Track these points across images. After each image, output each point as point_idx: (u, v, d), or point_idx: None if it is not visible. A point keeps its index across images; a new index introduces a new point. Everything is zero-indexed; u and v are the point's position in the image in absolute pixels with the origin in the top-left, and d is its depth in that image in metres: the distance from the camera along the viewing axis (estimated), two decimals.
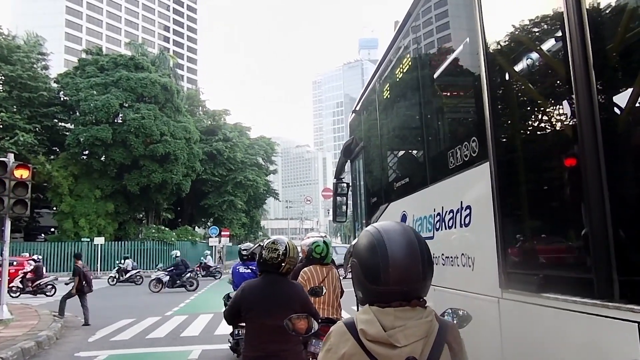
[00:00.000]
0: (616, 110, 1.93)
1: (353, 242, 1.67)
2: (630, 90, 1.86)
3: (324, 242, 5.13)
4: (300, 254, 5.49)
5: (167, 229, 36.80)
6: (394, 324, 1.36)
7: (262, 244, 3.61)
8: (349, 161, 7.12)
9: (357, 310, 6.87)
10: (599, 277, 1.88)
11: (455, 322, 1.97)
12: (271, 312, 3.08)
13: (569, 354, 2.08)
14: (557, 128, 2.28)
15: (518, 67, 2.68)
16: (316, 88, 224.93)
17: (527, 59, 2.63)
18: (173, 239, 34.88)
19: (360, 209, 6.64)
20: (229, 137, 43.68)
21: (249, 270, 7.05)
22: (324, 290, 4.51)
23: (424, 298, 1.49)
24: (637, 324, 1.68)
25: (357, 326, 1.39)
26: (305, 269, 5.00)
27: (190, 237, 37.53)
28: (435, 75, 3.80)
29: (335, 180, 7.54)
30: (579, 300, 1.99)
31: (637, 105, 1.81)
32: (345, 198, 7.42)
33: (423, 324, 1.38)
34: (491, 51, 2.73)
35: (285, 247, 3.26)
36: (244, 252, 7.38)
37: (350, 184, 7.28)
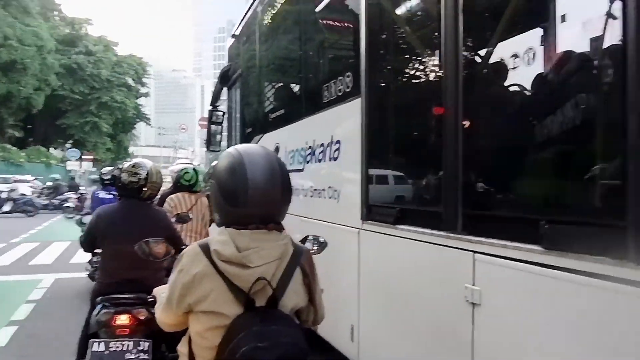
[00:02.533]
0: (477, 65, 2.05)
1: (213, 164, 1.59)
2: (490, 48, 1.99)
3: (194, 169, 4.92)
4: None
5: (14, 148, 32.60)
6: (248, 245, 1.35)
7: (121, 167, 3.33)
8: (226, 89, 6.82)
9: None
10: (446, 211, 2.05)
11: (315, 247, 2.03)
12: (130, 237, 2.88)
13: (419, 280, 2.29)
14: (426, 75, 2.37)
15: (397, 11, 2.71)
16: (196, 10, 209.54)
17: (406, 5, 2.67)
18: (22, 159, 31.12)
19: (235, 139, 6.49)
20: (93, 51, 39.01)
21: (110, 196, 6.56)
22: (191, 217, 4.39)
23: (281, 223, 1.48)
24: (472, 253, 1.89)
25: (211, 247, 1.36)
26: (172, 195, 4.78)
27: (44, 159, 33.82)
28: (317, 9, 3.70)
29: (211, 107, 7.20)
30: (428, 232, 2.17)
31: (496, 62, 1.96)
32: (220, 127, 7.14)
33: (278, 247, 1.40)
34: None
35: (147, 171, 3.03)
36: (105, 177, 6.85)
37: (227, 113, 7.03)
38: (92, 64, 38.76)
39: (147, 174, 3.01)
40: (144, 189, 3.01)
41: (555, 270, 1.51)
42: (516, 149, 1.86)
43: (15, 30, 29.69)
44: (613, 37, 1.41)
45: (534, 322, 1.61)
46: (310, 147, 3.53)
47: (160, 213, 3.25)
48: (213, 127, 7.16)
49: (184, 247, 3.69)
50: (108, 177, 6.81)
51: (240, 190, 1.36)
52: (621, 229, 1.31)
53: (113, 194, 6.52)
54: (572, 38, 1.69)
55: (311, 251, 2.02)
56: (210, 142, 7.20)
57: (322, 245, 2.04)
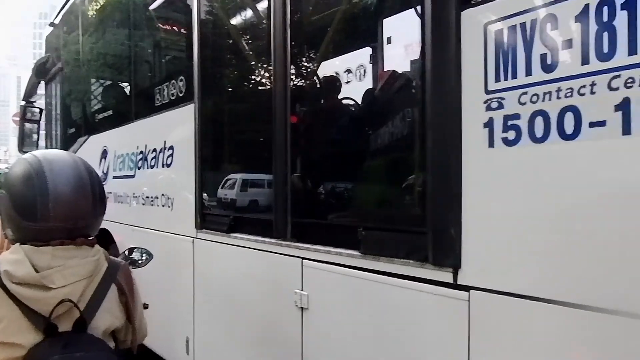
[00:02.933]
0: (306, 76, 2.15)
1: (3, 171, 1.37)
2: (320, 60, 2.10)
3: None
4: None
5: None
6: (50, 264, 1.18)
7: None
8: (43, 83, 6.03)
9: None
10: (277, 219, 2.10)
11: (143, 259, 1.90)
12: None
13: (253, 287, 2.30)
14: (257, 83, 2.41)
15: (229, 20, 2.70)
16: None
17: (238, 14, 2.68)
18: None
19: (55, 140, 5.78)
20: None
21: None
22: None
23: (93, 236, 1.34)
24: (301, 259, 1.96)
25: (1, 268, 1.17)
26: None
27: None
28: (150, 6, 3.49)
29: (24, 102, 6.29)
30: (261, 239, 2.20)
31: (326, 75, 2.07)
32: (37, 125, 6.29)
33: (87, 263, 1.25)
34: None
35: None
36: None
37: (44, 110, 6.21)
38: None
39: None
40: None
41: (371, 273, 1.64)
42: (341, 159, 1.99)
43: None
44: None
45: (357, 322, 1.73)
46: (141, 152, 3.31)
47: None
48: (27, 125, 6.29)
49: None
50: None
51: (39, 202, 1.19)
52: (423, 234, 1.47)
53: None
54: (396, 58, 1.86)
55: (138, 263, 1.89)
56: (24, 142, 6.30)
57: (148, 258, 1.92)
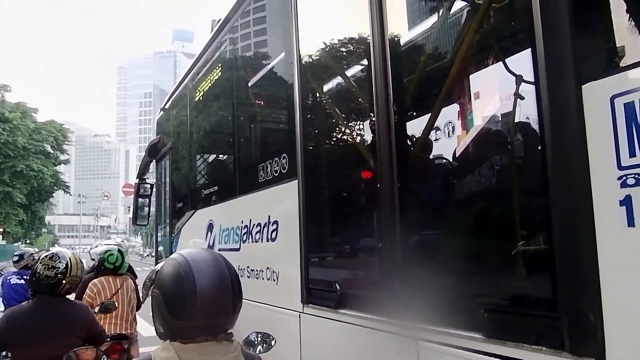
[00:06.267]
0: (410, 134, 2.15)
1: (156, 268, 1.49)
2: (423, 116, 2.09)
3: (119, 250, 4.65)
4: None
5: None
6: None
7: (36, 256, 3.05)
8: (154, 161, 6.66)
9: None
10: (387, 296, 2.05)
11: (263, 346, 1.94)
12: (46, 340, 2.62)
13: None
14: (362, 158, 2.45)
15: (328, 87, 2.82)
16: (122, 74, 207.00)
17: (336, 81, 2.79)
18: None
19: (165, 213, 6.26)
20: (8, 118, 36.95)
21: (22, 281, 5.98)
22: (117, 305, 4.09)
23: (231, 331, 1.41)
24: (416, 340, 1.88)
25: None
26: (95, 280, 4.45)
27: None
28: (249, 84, 3.78)
29: (137, 180, 6.98)
30: (370, 317, 2.15)
31: (428, 132, 2.05)
32: (148, 200, 6.91)
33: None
34: (304, 71, 2.81)
35: (67, 263, 2.79)
36: (16, 259, 6.21)
37: (155, 186, 6.82)
38: (8, 131, 36.56)
39: (66, 267, 2.77)
40: (62, 281, 2.77)
41: (496, 359, 1.53)
42: (456, 233, 1.91)
43: None
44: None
45: None
46: (246, 226, 3.47)
47: (79, 309, 2.97)
48: (140, 200, 6.93)
49: (110, 338, 3.39)
50: (20, 261, 6.20)
51: (188, 303, 1.28)
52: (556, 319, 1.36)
53: (25, 279, 5.95)
54: (485, 113, 1.83)
55: (259, 352, 1.94)
56: (137, 215, 6.92)
57: (269, 344, 1.95)
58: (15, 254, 6.52)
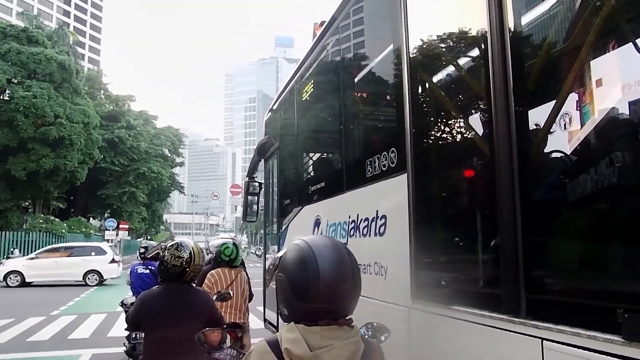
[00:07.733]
0: (531, 125, 2.01)
1: (279, 254, 1.57)
2: (545, 105, 1.94)
3: (234, 244, 4.95)
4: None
5: (57, 219, 33.70)
6: (320, 344, 1.30)
7: (163, 246, 3.36)
8: (262, 160, 6.99)
9: (264, 314, 6.76)
10: (507, 293, 1.95)
11: (373, 340, 1.95)
12: (174, 323, 2.88)
13: None
14: (475, 149, 2.36)
15: (439, 79, 2.75)
16: (229, 81, 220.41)
17: (449, 73, 2.71)
18: (64, 230, 32.09)
19: (273, 210, 6.55)
20: (133, 125, 41.21)
21: (147, 271, 6.66)
22: (232, 295, 4.35)
23: (351, 316, 1.44)
24: (540, 340, 1.77)
25: (282, 345, 1.31)
26: (212, 271, 4.78)
27: (83, 230, 34.83)
28: (356, 81, 3.81)
29: (247, 178, 7.37)
30: (487, 314, 2.06)
31: (551, 122, 1.90)
32: (256, 198, 7.27)
33: (350, 344, 1.34)
34: (414, 64, 2.77)
35: (190, 252, 3.03)
36: (142, 253, 6.99)
37: (263, 184, 7.16)
38: (133, 137, 40.79)
39: (190, 256, 3.02)
40: (187, 269, 3.02)
41: None
42: (588, 221, 1.75)
43: (65, 109, 31.68)
44: None
45: None
46: (353, 221, 3.51)
47: (202, 295, 3.22)
48: (250, 197, 7.30)
49: (225, 326, 3.62)
50: (147, 252, 6.98)
51: (312, 285, 1.33)
52: None
53: (150, 269, 6.62)
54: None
55: (382, 340, 1.95)
56: (247, 212, 7.31)
57: (379, 339, 1.95)
58: (142, 246, 7.38)
